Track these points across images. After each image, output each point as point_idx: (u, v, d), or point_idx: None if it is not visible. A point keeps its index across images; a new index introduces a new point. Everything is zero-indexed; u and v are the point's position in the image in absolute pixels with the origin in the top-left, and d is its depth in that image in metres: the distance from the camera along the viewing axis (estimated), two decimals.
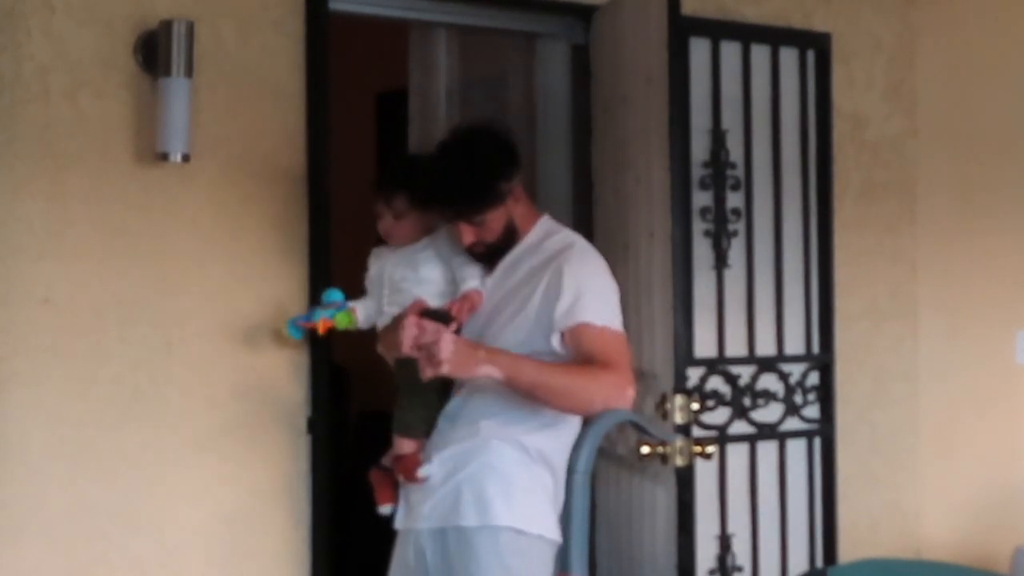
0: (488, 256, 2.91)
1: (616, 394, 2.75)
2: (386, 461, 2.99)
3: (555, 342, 2.79)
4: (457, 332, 2.83)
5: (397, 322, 2.85)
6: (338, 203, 3.37)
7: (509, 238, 2.90)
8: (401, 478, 2.87)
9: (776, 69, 3.99)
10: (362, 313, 3.02)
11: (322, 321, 2.98)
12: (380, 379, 2.98)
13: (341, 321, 2.99)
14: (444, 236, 2.95)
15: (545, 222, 2.98)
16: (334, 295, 3.03)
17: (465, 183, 2.81)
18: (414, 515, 2.86)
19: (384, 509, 2.95)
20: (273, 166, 3.27)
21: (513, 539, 2.76)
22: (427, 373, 2.65)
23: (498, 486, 2.78)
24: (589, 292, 2.78)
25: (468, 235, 2.85)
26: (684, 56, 3.64)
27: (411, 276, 2.92)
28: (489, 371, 2.68)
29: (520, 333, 2.81)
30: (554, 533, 2.82)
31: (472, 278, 2.88)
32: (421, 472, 2.81)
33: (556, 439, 2.83)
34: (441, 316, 2.81)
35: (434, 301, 2.90)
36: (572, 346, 2.78)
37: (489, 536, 2.75)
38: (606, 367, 2.74)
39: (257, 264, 3.23)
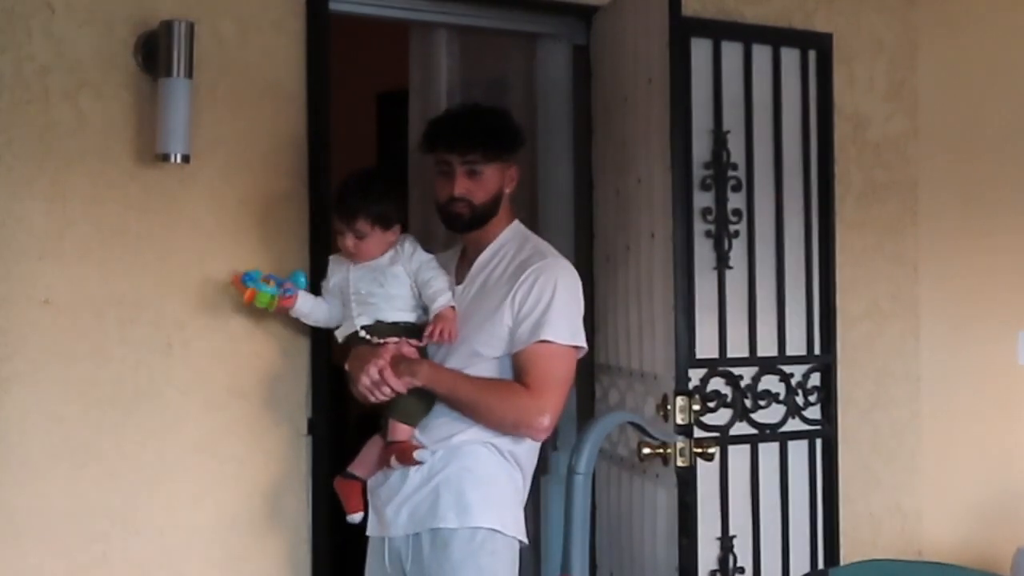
0: (461, 221, 2.93)
1: (527, 419, 2.80)
2: (352, 468, 2.99)
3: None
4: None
5: (367, 354, 2.87)
6: None
7: (489, 211, 2.94)
8: (395, 462, 2.86)
9: (777, 69, 3.99)
10: (308, 306, 3.03)
11: (251, 290, 3.00)
12: None
13: (260, 299, 3.00)
14: (407, 251, 2.96)
15: (517, 227, 3.03)
16: (297, 277, 3.07)
17: (492, 120, 2.96)
18: (386, 523, 2.88)
19: (354, 518, 2.97)
20: (273, 166, 3.27)
21: (489, 539, 2.79)
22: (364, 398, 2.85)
23: (477, 488, 2.81)
24: (554, 309, 2.81)
25: (461, 184, 2.89)
26: (685, 57, 3.64)
27: (379, 292, 2.93)
28: (409, 380, 2.80)
29: (490, 340, 2.85)
30: (524, 535, 2.88)
31: (441, 294, 2.89)
32: (417, 455, 2.82)
33: (525, 440, 2.87)
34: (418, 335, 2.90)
35: (403, 315, 2.92)
36: (519, 358, 2.82)
37: (466, 536, 2.79)
38: (528, 389, 2.79)
39: (257, 264, 3.22)
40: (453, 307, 2.89)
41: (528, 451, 2.89)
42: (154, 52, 3.04)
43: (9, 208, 2.96)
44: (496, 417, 2.81)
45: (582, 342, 2.89)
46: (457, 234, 3.05)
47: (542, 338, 2.80)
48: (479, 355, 2.85)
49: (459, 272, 3.01)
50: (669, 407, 3.21)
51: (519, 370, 2.83)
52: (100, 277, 3.06)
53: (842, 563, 4.02)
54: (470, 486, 2.80)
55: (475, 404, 2.82)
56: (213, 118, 3.17)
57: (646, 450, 3.18)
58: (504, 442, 2.85)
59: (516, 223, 3.03)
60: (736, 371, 3.88)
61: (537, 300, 2.82)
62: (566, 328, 2.83)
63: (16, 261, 2.96)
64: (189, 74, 3.01)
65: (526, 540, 2.89)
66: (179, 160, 3.02)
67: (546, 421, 2.80)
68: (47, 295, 3.00)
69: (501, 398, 2.81)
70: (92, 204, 3.04)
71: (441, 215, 2.99)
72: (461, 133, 2.91)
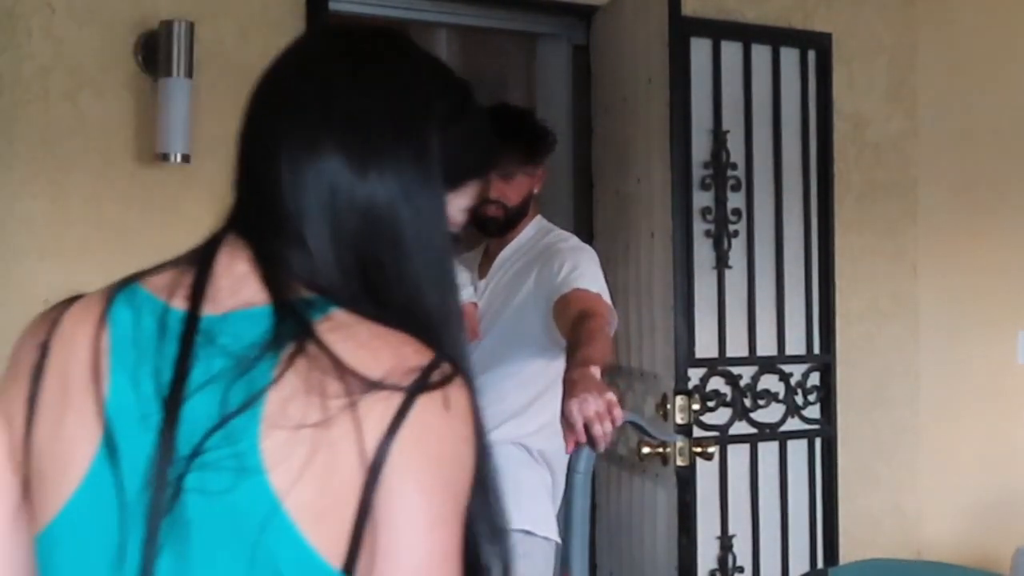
0: (495, 224, 2.92)
1: (613, 318, 2.66)
2: None
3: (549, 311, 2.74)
4: None
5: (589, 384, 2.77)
6: None
7: (519, 214, 2.94)
8: None
9: (777, 69, 3.99)
10: None
11: None
12: None
13: None
14: None
15: (540, 221, 3.03)
16: None
17: (527, 124, 2.95)
18: None
19: None
20: None
21: (521, 541, 2.75)
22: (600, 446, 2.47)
23: (507, 489, 2.76)
24: (584, 274, 2.76)
25: (496, 187, 2.87)
26: (685, 57, 3.64)
27: None
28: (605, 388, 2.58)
29: (522, 321, 2.83)
30: (556, 534, 2.83)
31: (462, 287, 2.87)
32: None
33: (554, 439, 2.82)
34: None
35: None
36: (560, 306, 2.71)
37: None
38: (594, 313, 2.63)
39: None
40: (475, 304, 2.88)
41: (558, 450, 2.78)
42: (154, 52, 3.04)
43: (10, 208, 2.96)
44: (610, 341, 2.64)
45: (614, 313, 2.76)
46: (485, 237, 3.02)
47: (578, 286, 2.70)
48: (522, 336, 2.83)
49: (482, 269, 3.00)
50: (668, 406, 3.22)
51: (564, 307, 2.66)
52: (100, 277, 3.04)
53: (841, 563, 4.03)
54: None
55: (608, 350, 2.56)
56: (213, 118, 3.17)
57: (646, 449, 3.18)
58: (534, 440, 2.82)
59: (539, 218, 3.04)
60: (735, 370, 3.89)
61: (562, 265, 2.76)
62: (601, 289, 2.74)
63: (16, 261, 2.96)
64: (189, 74, 3.02)
65: (559, 540, 2.82)
66: (179, 160, 3.03)
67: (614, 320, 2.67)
68: (47, 295, 2.98)
69: (600, 328, 2.57)
70: (92, 204, 3.04)
71: (472, 218, 2.94)
72: (499, 137, 2.87)
